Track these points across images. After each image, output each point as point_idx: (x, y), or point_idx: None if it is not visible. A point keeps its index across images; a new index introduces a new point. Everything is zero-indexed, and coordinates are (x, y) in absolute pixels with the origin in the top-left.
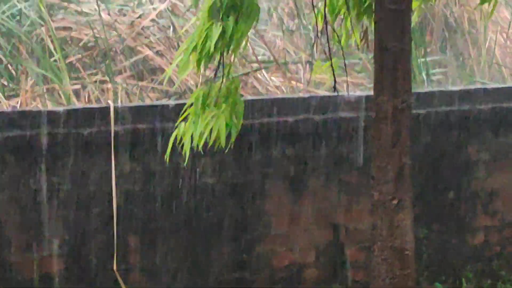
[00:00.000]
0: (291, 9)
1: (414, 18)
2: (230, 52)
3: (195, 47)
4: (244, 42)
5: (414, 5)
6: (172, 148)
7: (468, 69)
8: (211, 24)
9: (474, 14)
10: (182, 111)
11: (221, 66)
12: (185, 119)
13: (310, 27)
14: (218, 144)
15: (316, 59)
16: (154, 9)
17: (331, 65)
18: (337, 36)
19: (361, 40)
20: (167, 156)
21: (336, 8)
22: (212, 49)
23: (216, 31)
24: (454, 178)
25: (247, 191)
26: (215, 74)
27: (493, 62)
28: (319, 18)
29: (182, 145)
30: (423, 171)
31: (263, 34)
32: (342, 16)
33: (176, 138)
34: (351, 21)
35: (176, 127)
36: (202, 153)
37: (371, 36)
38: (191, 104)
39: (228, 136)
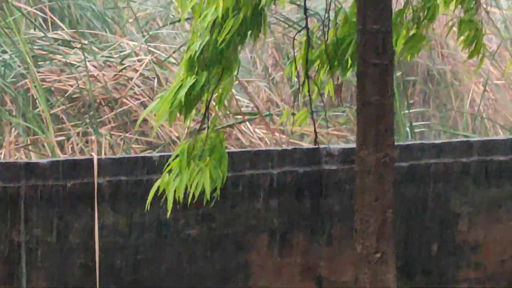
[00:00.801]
0: (275, 59)
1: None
2: (207, 103)
3: (166, 99)
4: (226, 95)
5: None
6: (155, 199)
7: (451, 121)
8: (187, 76)
9: (457, 65)
10: (167, 164)
11: (206, 118)
12: (169, 172)
13: (295, 77)
14: (203, 197)
15: (298, 110)
16: (139, 60)
17: (312, 118)
18: (318, 88)
19: (335, 93)
20: (147, 206)
21: (312, 61)
22: (182, 101)
23: (190, 83)
24: (437, 231)
25: (230, 243)
26: (200, 127)
27: (476, 115)
28: (293, 69)
29: (166, 197)
30: (406, 223)
31: (247, 84)
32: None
33: (158, 189)
34: (331, 74)
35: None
36: (186, 205)
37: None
38: (176, 156)
39: (213, 189)
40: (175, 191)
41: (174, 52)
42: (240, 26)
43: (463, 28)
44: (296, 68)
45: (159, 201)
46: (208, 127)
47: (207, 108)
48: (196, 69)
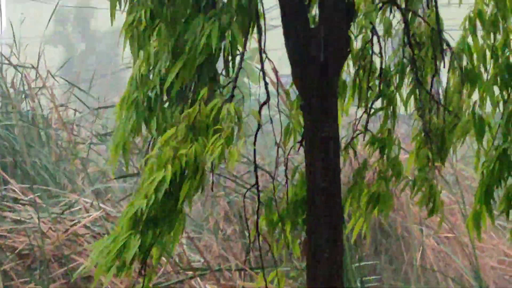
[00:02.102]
0: (227, 214)
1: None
2: (144, 260)
3: (111, 256)
4: (172, 250)
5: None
6: None
7: (403, 273)
8: (130, 234)
9: (407, 218)
10: None
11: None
12: None
13: (246, 233)
14: None
15: (250, 266)
16: (89, 216)
17: (263, 276)
18: (272, 246)
19: (301, 252)
20: None
21: (272, 222)
22: (128, 261)
23: (135, 243)
24: None
25: None
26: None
27: (426, 267)
28: (253, 228)
29: None
30: None
31: (197, 240)
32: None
33: None
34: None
35: None
36: None
37: None
38: None
39: None
40: None
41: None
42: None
43: (418, 187)
44: (247, 226)
45: None
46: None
47: (145, 264)
48: (141, 227)
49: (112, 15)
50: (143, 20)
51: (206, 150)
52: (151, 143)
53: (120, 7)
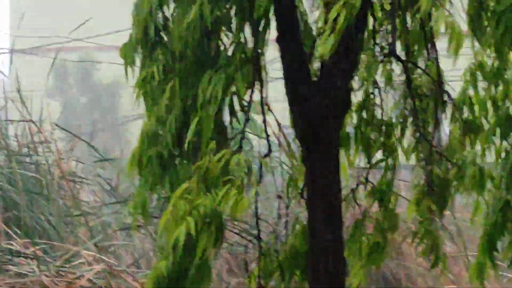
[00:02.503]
0: (230, 264)
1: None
2: None
3: None
4: None
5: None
6: None
7: None
8: None
9: (411, 269)
10: None
11: None
12: None
13: None
14: None
15: None
16: (92, 269)
17: None
18: None
19: None
20: None
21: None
22: None
23: None
24: None
25: None
26: None
27: None
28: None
29: None
30: None
31: None
32: None
33: None
34: None
35: None
36: None
37: None
38: None
39: None
40: None
41: (128, 266)
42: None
43: (421, 238)
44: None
45: None
46: None
47: None
48: None
49: (127, 73)
50: (155, 75)
51: (218, 201)
52: (164, 200)
53: (133, 63)
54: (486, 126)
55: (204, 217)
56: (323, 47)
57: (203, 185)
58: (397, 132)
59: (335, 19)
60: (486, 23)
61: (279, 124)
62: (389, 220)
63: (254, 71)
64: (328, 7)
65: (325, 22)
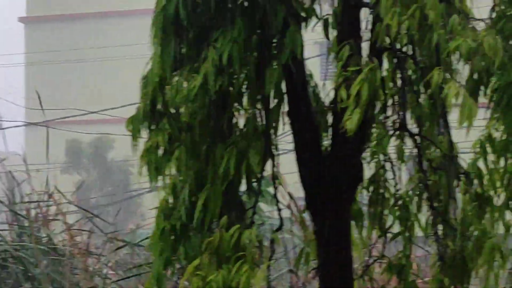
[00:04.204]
0: None
1: None
2: None
3: None
4: None
5: None
6: None
7: None
8: None
9: None
10: None
11: None
12: None
13: None
14: None
15: None
16: None
17: None
18: None
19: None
20: None
21: None
22: None
23: None
24: None
25: None
26: None
27: None
28: None
29: None
30: None
31: None
32: None
33: None
34: None
35: None
36: None
37: None
38: None
39: None
40: None
41: None
42: None
43: None
44: None
45: None
46: None
47: None
48: None
49: (135, 145)
50: (161, 145)
51: (231, 278)
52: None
53: (140, 136)
54: (495, 198)
55: None
56: (350, 122)
57: (215, 261)
58: (413, 206)
59: (357, 94)
60: (489, 97)
61: (291, 196)
62: None
63: (266, 146)
64: (347, 82)
65: (347, 97)
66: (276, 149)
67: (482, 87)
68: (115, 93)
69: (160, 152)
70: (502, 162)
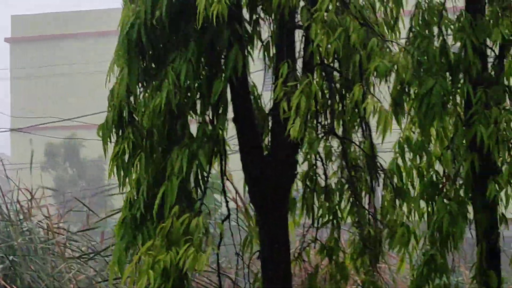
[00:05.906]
0: None
1: None
2: None
3: None
4: None
5: None
6: None
7: None
8: None
9: None
10: None
11: None
12: None
13: None
14: None
15: None
16: None
17: None
18: None
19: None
20: None
21: None
22: None
23: None
24: None
25: None
26: None
27: None
28: None
29: None
30: None
31: None
32: None
33: None
34: None
35: None
36: None
37: None
38: None
39: None
40: None
41: None
42: None
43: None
44: None
45: None
46: None
47: None
48: None
49: (104, 150)
50: (126, 151)
51: (179, 257)
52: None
53: (110, 141)
54: (412, 192)
55: (165, 271)
56: (293, 130)
57: (166, 244)
58: (336, 197)
59: (297, 105)
60: (409, 104)
61: (236, 190)
62: (340, 272)
63: (214, 148)
64: (287, 95)
65: (289, 108)
66: (225, 150)
67: (404, 96)
68: (84, 103)
69: (126, 157)
70: (418, 160)
